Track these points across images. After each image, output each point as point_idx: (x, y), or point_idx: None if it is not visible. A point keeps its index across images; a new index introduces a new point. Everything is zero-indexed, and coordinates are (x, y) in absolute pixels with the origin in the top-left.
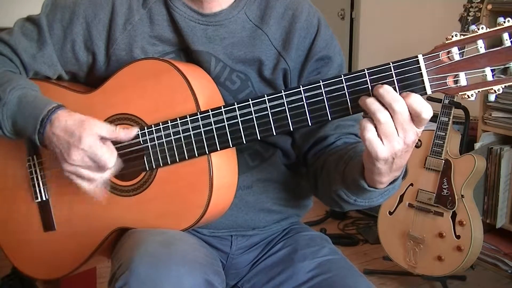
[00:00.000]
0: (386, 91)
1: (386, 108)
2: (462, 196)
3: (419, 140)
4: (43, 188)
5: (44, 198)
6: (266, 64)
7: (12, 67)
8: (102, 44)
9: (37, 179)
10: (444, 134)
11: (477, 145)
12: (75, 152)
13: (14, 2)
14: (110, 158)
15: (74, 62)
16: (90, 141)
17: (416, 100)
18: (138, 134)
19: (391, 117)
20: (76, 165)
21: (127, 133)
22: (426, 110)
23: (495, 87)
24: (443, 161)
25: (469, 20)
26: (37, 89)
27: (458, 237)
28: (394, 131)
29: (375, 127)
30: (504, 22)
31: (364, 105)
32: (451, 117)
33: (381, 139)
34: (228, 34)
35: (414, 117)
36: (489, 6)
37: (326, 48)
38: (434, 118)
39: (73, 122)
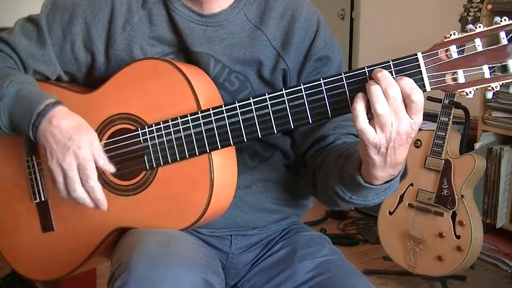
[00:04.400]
0: (384, 75)
1: (386, 98)
2: (462, 196)
3: (419, 140)
4: (42, 189)
5: (43, 199)
6: (265, 65)
7: (11, 64)
8: (102, 45)
9: (36, 180)
10: (444, 134)
11: (477, 145)
12: (69, 156)
13: (14, 2)
14: (93, 174)
15: (73, 62)
16: (87, 153)
17: (408, 83)
18: (139, 134)
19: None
20: (64, 168)
21: (109, 166)
22: (417, 92)
23: (493, 84)
24: (443, 161)
25: (469, 20)
26: (35, 84)
27: (458, 237)
28: (389, 122)
29: (372, 116)
30: (501, 21)
31: (368, 90)
32: (451, 117)
33: (374, 128)
34: (228, 35)
35: (406, 101)
36: (489, 6)
37: (325, 48)
38: (434, 118)
39: (71, 124)
